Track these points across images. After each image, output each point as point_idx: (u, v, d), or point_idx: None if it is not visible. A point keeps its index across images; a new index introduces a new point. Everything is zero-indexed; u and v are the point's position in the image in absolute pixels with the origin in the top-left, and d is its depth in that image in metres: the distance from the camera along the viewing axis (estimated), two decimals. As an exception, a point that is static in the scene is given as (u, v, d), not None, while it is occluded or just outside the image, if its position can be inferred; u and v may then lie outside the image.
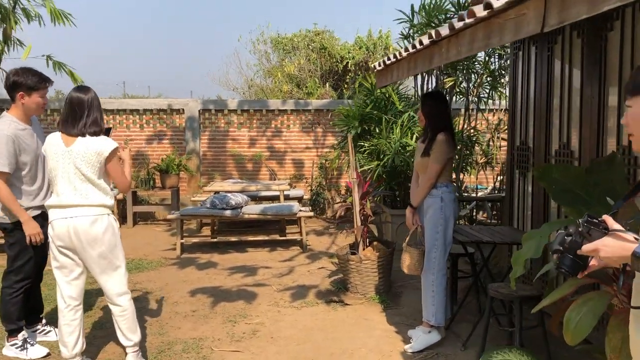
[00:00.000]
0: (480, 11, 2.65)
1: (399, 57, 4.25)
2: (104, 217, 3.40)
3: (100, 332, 4.34)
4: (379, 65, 4.95)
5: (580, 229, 1.55)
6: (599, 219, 1.54)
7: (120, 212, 8.76)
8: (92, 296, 5.20)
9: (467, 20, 2.80)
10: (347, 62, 13.70)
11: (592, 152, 3.85)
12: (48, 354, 3.88)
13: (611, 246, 1.47)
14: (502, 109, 7.94)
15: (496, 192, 7.93)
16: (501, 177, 8.12)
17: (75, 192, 3.34)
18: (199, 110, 9.70)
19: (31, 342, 3.88)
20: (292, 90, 13.87)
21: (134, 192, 8.74)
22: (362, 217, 5.17)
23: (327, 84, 13.71)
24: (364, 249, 5.17)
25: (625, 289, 2.27)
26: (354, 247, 5.35)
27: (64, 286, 3.44)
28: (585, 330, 2.14)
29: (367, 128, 7.22)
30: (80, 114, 3.36)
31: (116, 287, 3.48)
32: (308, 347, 4.06)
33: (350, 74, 13.72)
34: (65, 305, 3.44)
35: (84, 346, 3.55)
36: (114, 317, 3.55)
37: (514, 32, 2.41)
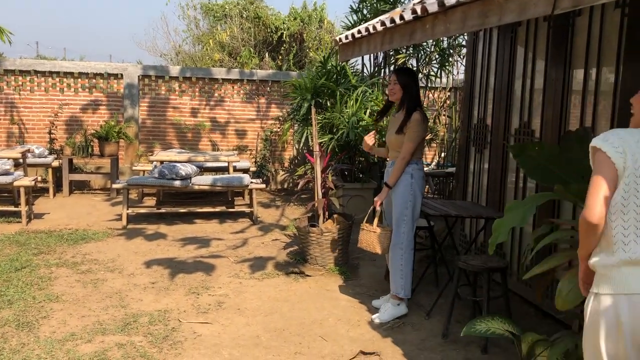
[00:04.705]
0: (479, -11, 2.69)
1: (371, 31, 4.25)
2: None
3: (57, 304, 4.15)
4: (346, 38, 4.93)
5: None
6: None
7: (56, 181, 8.32)
8: (40, 267, 4.95)
9: (462, -2, 2.85)
10: (282, 33, 13.54)
11: (554, 132, 4.04)
12: None
13: None
14: (449, 88, 8.15)
15: (440, 168, 8.19)
16: (444, 153, 8.41)
17: None
18: (139, 76, 9.29)
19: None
20: (224, 59, 13.56)
21: (70, 159, 8.31)
22: (323, 190, 5.19)
23: (267, 55, 13.50)
24: (324, 222, 5.21)
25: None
26: (312, 220, 5.37)
27: None
28: (575, 300, 2.27)
29: (320, 101, 7.21)
30: None
31: None
32: (276, 318, 4.08)
33: (285, 45, 13.58)
34: None
35: None
36: None
37: (517, 12, 2.46)
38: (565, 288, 2.32)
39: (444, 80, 8.08)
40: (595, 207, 1.91)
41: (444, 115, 8.35)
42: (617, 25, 3.48)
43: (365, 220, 4.20)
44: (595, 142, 2.00)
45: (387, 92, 4.31)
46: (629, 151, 1.94)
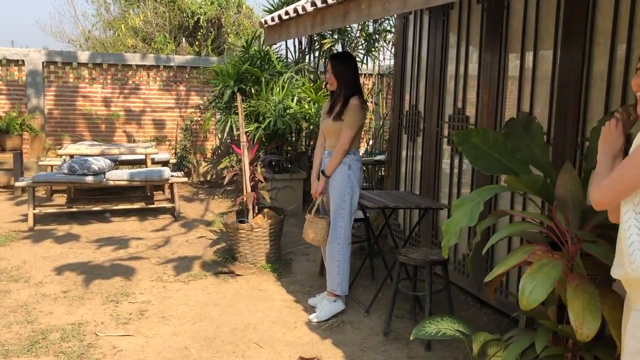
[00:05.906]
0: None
1: (300, 12, 3.96)
2: None
3: (-50, 324, 3.60)
4: (272, 20, 4.62)
5: None
6: None
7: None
8: None
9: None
10: (199, 18, 12.97)
11: (490, 118, 3.94)
12: None
13: None
14: (375, 74, 8.01)
15: (368, 155, 8.06)
16: (372, 140, 8.29)
17: None
18: (43, 63, 8.51)
19: None
20: (137, 45, 12.86)
21: (-35, 155, 7.49)
22: (252, 183, 4.88)
23: (184, 40, 12.88)
24: (254, 217, 4.90)
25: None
26: (241, 215, 5.06)
27: None
28: (540, 297, 2.12)
29: (244, 88, 6.84)
30: None
31: None
32: (206, 325, 3.75)
33: (202, 31, 13.04)
34: None
35: None
36: None
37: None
38: (528, 287, 2.16)
39: (370, 66, 7.93)
40: (609, 202, 1.70)
41: (371, 102, 8.21)
42: (554, 8, 3.39)
43: (308, 211, 3.98)
44: None
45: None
46: None
